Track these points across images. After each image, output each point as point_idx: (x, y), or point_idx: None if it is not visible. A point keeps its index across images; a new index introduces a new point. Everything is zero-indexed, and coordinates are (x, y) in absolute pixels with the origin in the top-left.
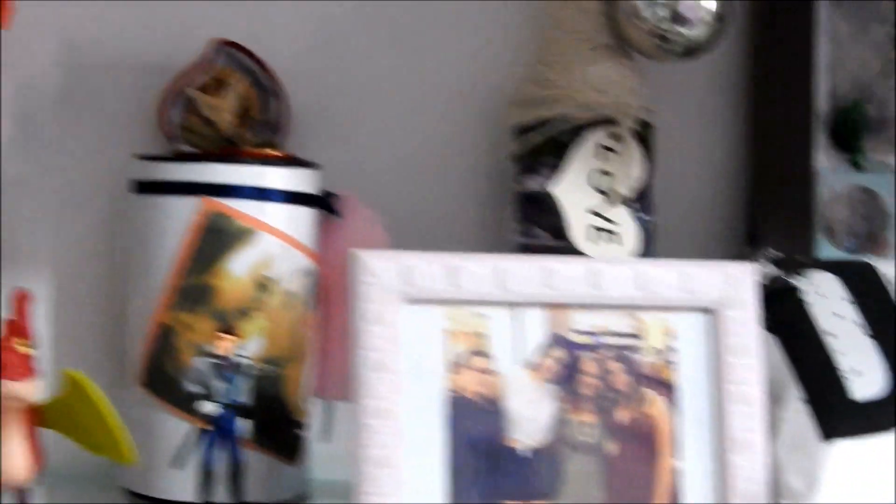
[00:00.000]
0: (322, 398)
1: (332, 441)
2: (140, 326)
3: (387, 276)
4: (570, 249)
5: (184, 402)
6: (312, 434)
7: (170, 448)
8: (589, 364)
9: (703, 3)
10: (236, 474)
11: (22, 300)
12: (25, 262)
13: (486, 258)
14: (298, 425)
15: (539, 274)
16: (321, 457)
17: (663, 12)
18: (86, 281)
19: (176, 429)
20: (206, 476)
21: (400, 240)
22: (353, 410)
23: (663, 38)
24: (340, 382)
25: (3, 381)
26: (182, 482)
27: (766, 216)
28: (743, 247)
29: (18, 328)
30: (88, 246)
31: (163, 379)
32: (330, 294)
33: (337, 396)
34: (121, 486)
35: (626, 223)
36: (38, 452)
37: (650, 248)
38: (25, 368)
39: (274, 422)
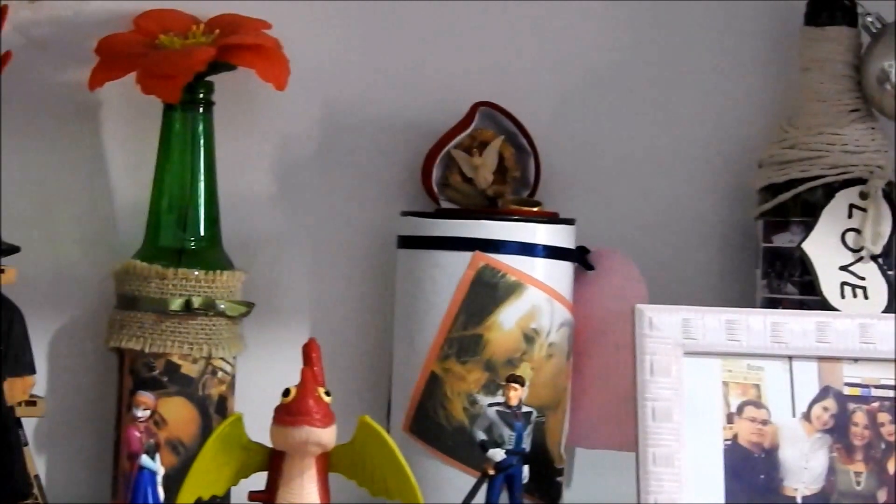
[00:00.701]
0: (574, 446)
1: (571, 487)
2: (408, 375)
3: (669, 329)
4: (819, 305)
5: (450, 448)
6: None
7: (434, 491)
8: (859, 415)
9: None
10: None
11: (314, 349)
12: (290, 313)
13: (762, 313)
14: (559, 472)
15: (813, 328)
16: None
17: None
18: (349, 331)
19: (441, 474)
20: None
21: (649, 294)
22: (636, 458)
23: None
24: (592, 431)
25: (309, 428)
26: None
27: None
28: None
29: (316, 376)
30: (349, 299)
31: (431, 426)
32: (583, 345)
33: (589, 444)
34: None
35: (874, 279)
36: (328, 496)
37: (893, 302)
38: (327, 415)
39: (541, 468)
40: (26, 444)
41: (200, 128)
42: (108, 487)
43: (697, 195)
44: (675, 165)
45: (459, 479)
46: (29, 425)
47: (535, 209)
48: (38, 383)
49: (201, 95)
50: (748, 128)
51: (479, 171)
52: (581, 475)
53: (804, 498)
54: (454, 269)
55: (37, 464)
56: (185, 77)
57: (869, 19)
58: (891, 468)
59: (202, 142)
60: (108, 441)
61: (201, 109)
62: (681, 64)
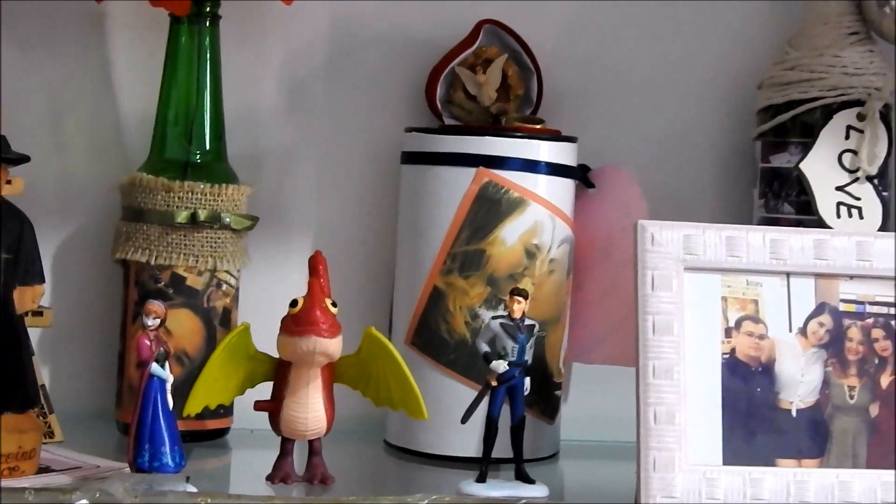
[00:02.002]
0: (572, 361)
1: (567, 402)
2: (411, 289)
3: (671, 244)
4: (815, 224)
5: (451, 361)
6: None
7: (435, 403)
8: (854, 331)
9: None
10: (519, 430)
11: (321, 262)
12: (294, 227)
13: (762, 230)
14: (558, 386)
15: (811, 245)
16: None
17: None
18: (352, 245)
19: (442, 386)
20: (491, 432)
21: (650, 211)
22: (636, 370)
23: None
24: (591, 346)
25: (316, 338)
26: (456, 438)
27: None
28: None
29: (323, 287)
30: (353, 214)
31: (433, 339)
32: (584, 262)
33: (588, 360)
34: (385, 441)
35: (869, 199)
36: (332, 407)
37: (887, 222)
38: (334, 326)
39: (541, 382)
40: (33, 354)
41: (207, 41)
42: (112, 397)
43: (698, 115)
44: (676, 85)
45: (460, 391)
46: (34, 335)
47: (537, 126)
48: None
49: (208, 9)
50: (749, 49)
51: (482, 88)
52: (578, 390)
53: (799, 410)
54: (458, 184)
55: (42, 373)
56: None
57: None
58: (883, 383)
59: (208, 55)
60: (112, 352)
61: (208, 23)
62: None
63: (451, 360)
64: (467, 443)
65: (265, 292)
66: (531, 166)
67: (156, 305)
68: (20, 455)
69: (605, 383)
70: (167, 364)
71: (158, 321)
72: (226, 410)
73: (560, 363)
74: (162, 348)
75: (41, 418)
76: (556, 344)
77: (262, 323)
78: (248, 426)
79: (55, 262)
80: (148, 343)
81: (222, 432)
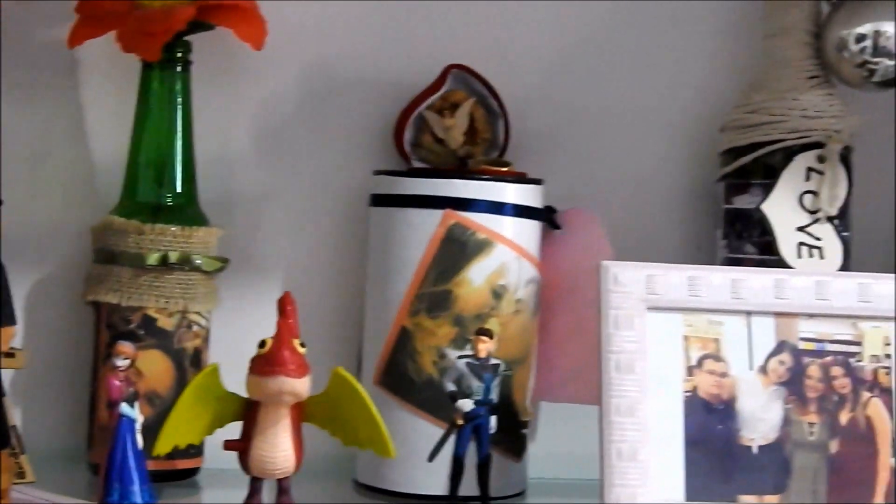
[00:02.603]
0: (539, 400)
1: (536, 440)
2: (380, 330)
3: (634, 284)
4: (777, 264)
5: (419, 400)
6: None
7: (403, 442)
8: (813, 369)
9: None
10: (485, 469)
11: (290, 302)
12: (265, 269)
13: (722, 270)
14: (525, 425)
15: (771, 285)
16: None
17: (869, 45)
18: (322, 287)
19: (410, 425)
20: (458, 470)
21: (614, 253)
22: (599, 409)
23: (868, 70)
24: (558, 385)
25: (284, 378)
26: (423, 476)
27: None
28: None
29: (291, 328)
30: (323, 256)
31: (401, 379)
32: (550, 302)
33: (555, 398)
34: (353, 480)
35: (830, 239)
36: (301, 446)
37: (847, 262)
38: (302, 366)
39: (507, 421)
40: (4, 395)
41: (178, 86)
42: (84, 438)
43: (662, 158)
44: (640, 128)
45: (427, 430)
46: (6, 376)
47: (504, 169)
48: (16, 335)
49: (180, 54)
50: (712, 92)
51: (450, 132)
52: (545, 429)
53: (760, 447)
54: (425, 226)
55: (13, 414)
56: (164, 36)
57: None
58: (843, 420)
59: (180, 100)
60: (84, 393)
61: (179, 68)
62: (648, 29)
63: (418, 399)
64: (435, 481)
65: (236, 333)
66: (498, 208)
67: (125, 346)
68: None
69: (573, 421)
70: (137, 404)
71: (128, 362)
72: (196, 450)
73: (527, 402)
74: (132, 389)
75: (13, 458)
76: (523, 383)
77: (233, 363)
78: (218, 466)
79: (28, 304)
80: (118, 384)
81: (192, 472)
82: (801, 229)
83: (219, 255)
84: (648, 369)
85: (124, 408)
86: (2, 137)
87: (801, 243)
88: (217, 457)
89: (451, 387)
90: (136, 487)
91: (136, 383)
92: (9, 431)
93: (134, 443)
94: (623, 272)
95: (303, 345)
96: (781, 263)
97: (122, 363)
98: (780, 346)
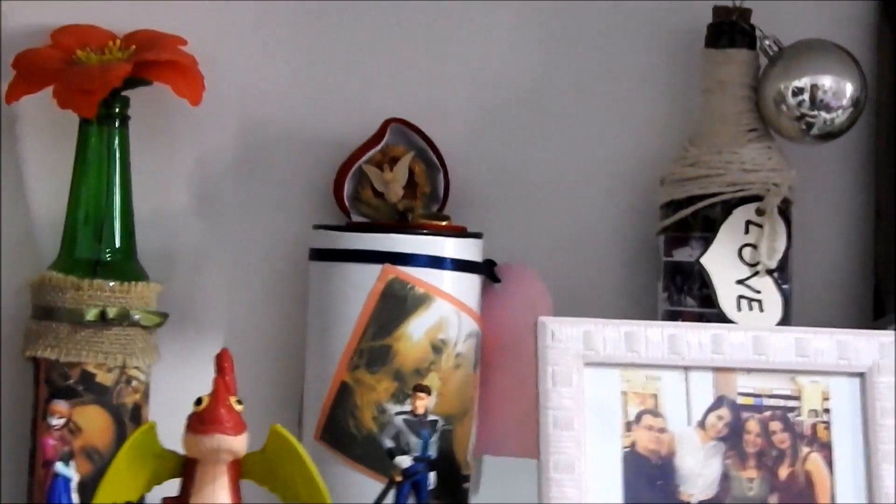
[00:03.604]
0: (481, 454)
1: (478, 493)
2: (320, 385)
3: (571, 340)
4: (717, 317)
5: (360, 455)
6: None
7: (344, 498)
8: (752, 424)
9: (843, 89)
10: None
11: (227, 360)
12: (204, 324)
13: (660, 325)
14: (466, 479)
15: (709, 340)
16: None
17: (807, 99)
18: (261, 341)
19: (351, 480)
20: None
21: (555, 307)
22: (537, 465)
23: (807, 124)
24: (499, 439)
25: (220, 436)
26: None
27: (891, 290)
28: (867, 318)
29: (228, 386)
30: (263, 311)
31: (341, 434)
32: (490, 356)
33: (496, 452)
34: None
35: (770, 292)
36: (239, 502)
37: (787, 315)
38: (238, 424)
39: (448, 475)
40: None
41: (116, 142)
42: (24, 494)
43: (602, 211)
44: (580, 182)
45: (369, 486)
46: None
47: (443, 223)
48: None
49: (117, 110)
50: (651, 146)
51: (389, 185)
52: (489, 482)
53: (699, 503)
54: (364, 281)
55: None
56: (101, 92)
57: (767, 42)
58: (782, 474)
59: (118, 155)
60: (24, 449)
61: (117, 124)
62: (586, 84)
63: (358, 454)
64: None
65: (176, 389)
66: (437, 262)
67: (59, 405)
68: None
69: (517, 475)
70: (73, 463)
71: (63, 420)
72: None
73: (469, 456)
74: (67, 447)
75: None
76: (464, 437)
77: (173, 419)
78: None
79: None
80: (52, 443)
81: None
82: (740, 282)
83: (158, 311)
84: (587, 425)
85: (59, 467)
86: None
87: (741, 296)
88: None
89: (388, 443)
90: None
91: (73, 440)
92: None
93: (69, 501)
94: (560, 328)
95: (240, 402)
96: (721, 317)
97: (56, 422)
98: (719, 402)
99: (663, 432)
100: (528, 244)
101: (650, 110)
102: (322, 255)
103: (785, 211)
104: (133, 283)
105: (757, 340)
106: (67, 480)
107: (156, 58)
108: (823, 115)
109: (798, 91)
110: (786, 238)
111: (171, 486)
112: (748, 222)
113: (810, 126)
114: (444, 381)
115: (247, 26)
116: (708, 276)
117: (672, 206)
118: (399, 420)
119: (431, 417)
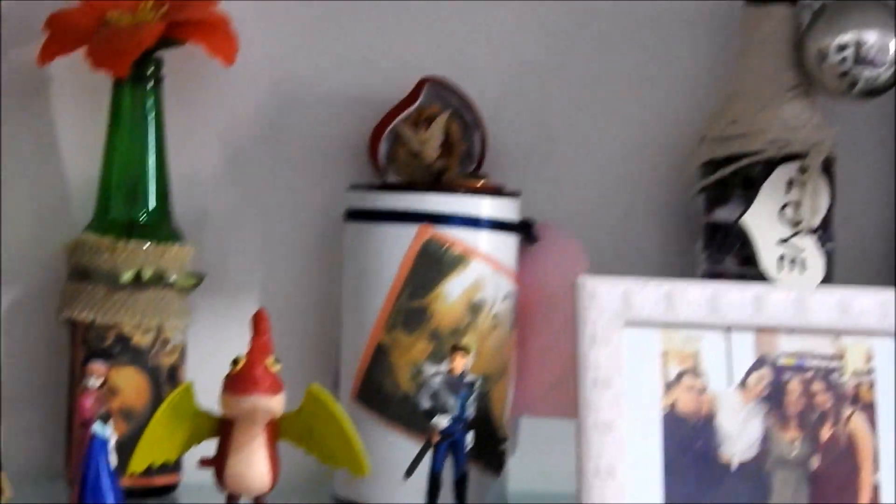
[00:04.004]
0: (518, 415)
1: (515, 455)
2: (356, 346)
3: (609, 300)
4: (758, 277)
5: (396, 416)
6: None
7: (380, 458)
8: (794, 384)
9: (888, 45)
10: (462, 485)
11: (263, 319)
12: (239, 286)
13: (700, 284)
14: (503, 440)
15: (750, 300)
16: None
17: (851, 55)
18: (297, 303)
19: (387, 441)
20: (435, 486)
21: (591, 267)
22: (576, 426)
23: (850, 81)
24: (537, 399)
25: (257, 396)
26: (400, 492)
27: None
28: None
29: (265, 346)
30: (298, 272)
31: (377, 394)
32: (527, 316)
33: (534, 413)
34: (333, 496)
35: (812, 252)
36: (276, 463)
37: (830, 274)
38: (275, 384)
39: (485, 436)
40: None
41: (150, 103)
42: (62, 455)
43: (640, 170)
44: (618, 140)
45: (405, 446)
46: None
47: (480, 183)
48: None
49: (150, 71)
50: (691, 104)
51: (425, 145)
52: (527, 443)
53: (739, 464)
54: (400, 241)
55: None
56: (133, 52)
57: None
58: (823, 436)
59: (152, 116)
60: (61, 410)
61: (150, 85)
62: (624, 40)
63: (395, 415)
64: (412, 497)
65: (212, 350)
66: (473, 222)
67: (97, 366)
68: None
69: (554, 436)
70: (110, 423)
71: (101, 381)
72: (174, 466)
73: (506, 417)
74: (104, 408)
75: None
76: (501, 398)
77: (209, 380)
78: (198, 482)
79: (5, 324)
80: (90, 403)
81: (170, 488)
82: (782, 241)
83: (193, 272)
84: (626, 386)
85: (97, 427)
86: None
87: (783, 256)
88: (197, 472)
89: (426, 404)
90: None
91: (111, 401)
92: None
93: (107, 462)
94: (599, 288)
95: (277, 362)
96: (762, 277)
97: (94, 383)
98: (760, 362)
99: (703, 393)
100: (565, 204)
101: (690, 67)
102: (358, 215)
103: (827, 169)
104: (168, 244)
105: (799, 300)
106: (105, 441)
107: (189, 17)
108: (867, 71)
109: (841, 47)
110: (828, 196)
111: (208, 447)
112: (790, 180)
113: (854, 83)
114: (482, 342)
115: None
116: (749, 235)
117: (712, 164)
118: (437, 380)
119: (469, 377)
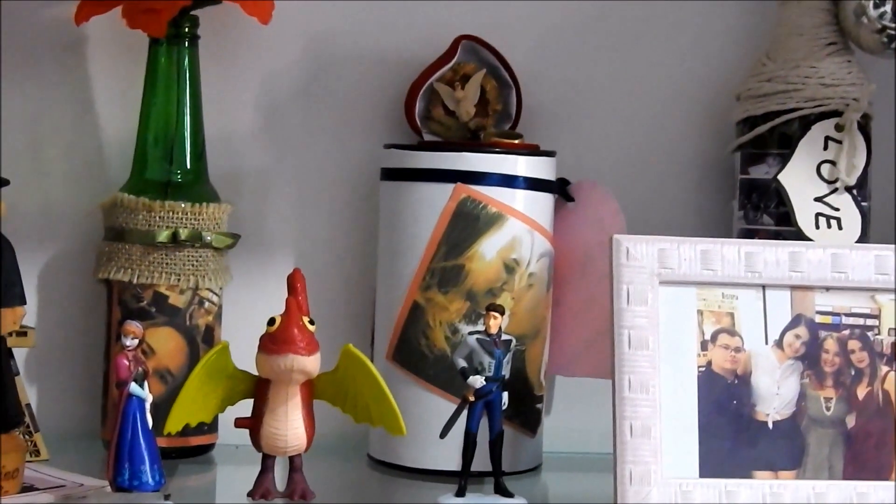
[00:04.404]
0: (553, 374)
1: (550, 414)
2: (391, 305)
3: (646, 258)
4: (794, 235)
5: (432, 376)
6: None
7: (416, 418)
8: (830, 343)
9: None
10: (497, 444)
11: (299, 279)
12: (275, 245)
13: (736, 243)
14: (539, 400)
15: (786, 258)
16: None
17: (889, 11)
18: (332, 262)
19: (423, 400)
20: (470, 446)
21: (628, 225)
22: (612, 385)
23: (888, 36)
24: (572, 359)
25: (294, 356)
26: (436, 451)
27: None
28: None
29: (300, 306)
30: (333, 232)
31: (413, 354)
32: (563, 276)
33: (569, 373)
34: (367, 455)
35: (849, 210)
36: (312, 424)
37: (866, 232)
38: (311, 344)
39: (521, 396)
40: (18, 374)
41: (186, 62)
42: (98, 416)
43: (676, 128)
44: (654, 99)
45: (441, 406)
46: (19, 355)
47: (516, 141)
48: (29, 315)
49: (187, 29)
50: (726, 61)
51: (461, 104)
52: (561, 402)
53: (775, 423)
54: (436, 200)
55: (27, 393)
56: (170, 11)
57: None
58: (860, 394)
59: (188, 76)
60: (97, 371)
61: (187, 44)
62: None
63: (430, 374)
64: (448, 457)
65: (247, 310)
66: (509, 181)
67: (133, 326)
68: (2, 475)
69: (589, 396)
70: (146, 383)
71: (137, 341)
72: (210, 427)
73: (541, 377)
74: (141, 368)
75: (27, 437)
76: (537, 358)
77: (245, 340)
78: (234, 442)
79: (40, 283)
80: (126, 363)
81: (207, 448)
82: (818, 200)
83: (229, 232)
84: (661, 344)
85: (133, 387)
86: (8, 116)
87: (819, 214)
88: (233, 432)
89: (461, 363)
90: (146, 467)
91: (147, 361)
92: (20, 411)
93: (143, 422)
94: (635, 246)
95: (312, 322)
96: (799, 235)
97: (130, 343)
98: (796, 320)
99: (739, 351)
100: (601, 162)
101: (725, 24)
102: (393, 174)
103: (864, 126)
104: (204, 204)
105: (835, 258)
106: (142, 401)
107: None
108: None
109: (880, 2)
110: (865, 154)
111: (245, 407)
112: (827, 138)
113: (892, 38)
114: (517, 301)
115: None
116: (785, 193)
117: (748, 122)
118: (472, 339)
119: (505, 337)
